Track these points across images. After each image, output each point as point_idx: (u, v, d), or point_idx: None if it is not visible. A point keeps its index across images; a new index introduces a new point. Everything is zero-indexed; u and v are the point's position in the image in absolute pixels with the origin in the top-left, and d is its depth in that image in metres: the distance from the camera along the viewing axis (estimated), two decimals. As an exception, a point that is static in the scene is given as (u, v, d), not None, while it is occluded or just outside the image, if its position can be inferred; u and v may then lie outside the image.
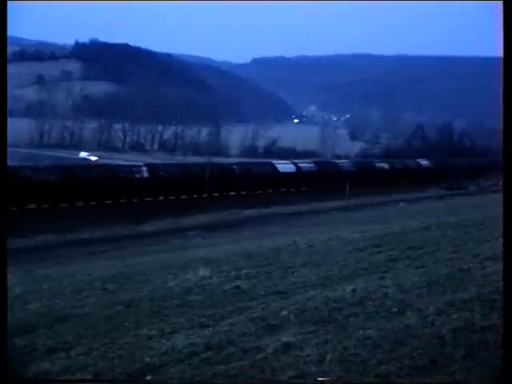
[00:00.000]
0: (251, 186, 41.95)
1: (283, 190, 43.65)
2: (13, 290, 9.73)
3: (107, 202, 34.12)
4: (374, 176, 52.12)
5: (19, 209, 28.56)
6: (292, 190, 44.37)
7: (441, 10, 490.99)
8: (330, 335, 5.21)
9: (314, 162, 52.27)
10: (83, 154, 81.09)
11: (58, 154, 79.96)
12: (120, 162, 53.11)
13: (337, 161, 56.94)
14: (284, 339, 5.20)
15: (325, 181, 45.91)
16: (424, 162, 61.90)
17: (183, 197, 38.27)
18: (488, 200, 25.34)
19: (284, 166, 48.24)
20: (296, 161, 51.43)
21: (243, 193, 41.29)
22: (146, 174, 38.14)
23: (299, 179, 46.02)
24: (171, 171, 39.84)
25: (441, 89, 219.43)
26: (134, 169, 39.06)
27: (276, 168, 47.03)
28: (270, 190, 42.85)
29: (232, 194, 40.95)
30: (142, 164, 41.66)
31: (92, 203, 33.32)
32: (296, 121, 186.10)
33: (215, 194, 39.33)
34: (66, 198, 32.24)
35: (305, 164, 50.32)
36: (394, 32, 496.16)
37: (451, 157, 64.71)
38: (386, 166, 56.97)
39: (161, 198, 37.26)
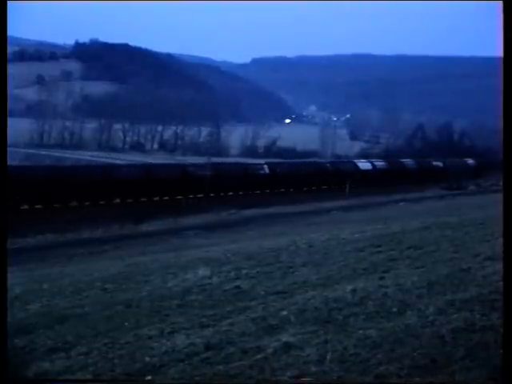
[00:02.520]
0: (339, 182, 47.79)
1: (361, 185, 49.37)
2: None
3: (240, 193, 41.98)
4: (431, 173, 58.37)
5: (184, 198, 37.55)
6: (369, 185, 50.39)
7: (441, 10, 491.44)
8: (330, 335, 5.21)
9: (385, 161, 58.68)
10: None
11: (57, 154, 79.93)
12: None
13: (403, 160, 62.11)
14: (284, 339, 5.20)
15: (393, 177, 52.32)
16: (470, 161, 66.80)
17: (290, 189, 45.38)
18: (488, 200, 25.34)
19: (363, 164, 54.99)
20: (372, 160, 58.75)
21: (334, 187, 47.62)
22: (267, 171, 45.31)
23: (374, 176, 52.03)
24: (285, 168, 48.24)
25: (441, 89, 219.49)
26: (259, 166, 46.67)
27: (357, 166, 53.64)
28: (353, 186, 48.59)
29: (324, 187, 47.78)
30: (263, 162, 49.36)
31: (230, 193, 41.34)
32: (287, 121, 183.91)
33: (313, 188, 46.97)
34: (215, 189, 39.99)
35: (378, 162, 56.99)
36: (393, 32, 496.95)
37: (452, 157, 67.09)
38: (440, 164, 62.88)
39: (276, 190, 44.17)
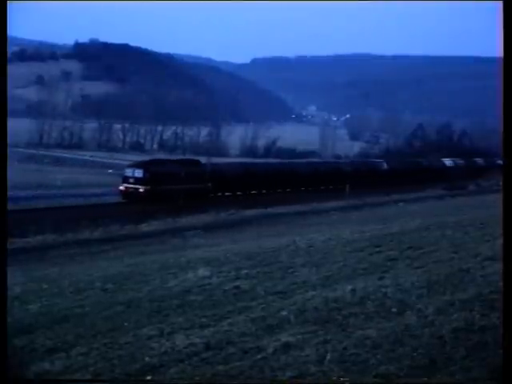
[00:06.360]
0: (433, 177, 55.00)
1: (446, 179, 55.49)
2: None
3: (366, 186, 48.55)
4: (494, 170, 64.75)
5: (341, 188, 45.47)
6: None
7: (440, 9, 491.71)
8: (329, 335, 5.21)
9: (462, 159, 67.84)
10: None
11: (55, 154, 79.89)
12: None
13: (476, 158, 70.72)
14: (284, 339, 5.19)
15: (468, 173, 59.71)
16: None
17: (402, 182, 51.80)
18: (488, 200, 25.33)
19: (448, 161, 65.41)
20: (454, 158, 67.99)
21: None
22: (386, 167, 55.84)
23: (457, 172, 59.92)
24: (399, 165, 58.72)
25: (440, 89, 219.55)
26: (384, 163, 57.56)
27: (445, 163, 64.29)
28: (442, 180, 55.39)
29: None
30: (382, 160, 61.07)
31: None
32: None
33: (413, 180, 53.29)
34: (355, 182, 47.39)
35: (458, 161, 66.80)
36: (393, 32, 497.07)
37: (452, 157, 68.60)
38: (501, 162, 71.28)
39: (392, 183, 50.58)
